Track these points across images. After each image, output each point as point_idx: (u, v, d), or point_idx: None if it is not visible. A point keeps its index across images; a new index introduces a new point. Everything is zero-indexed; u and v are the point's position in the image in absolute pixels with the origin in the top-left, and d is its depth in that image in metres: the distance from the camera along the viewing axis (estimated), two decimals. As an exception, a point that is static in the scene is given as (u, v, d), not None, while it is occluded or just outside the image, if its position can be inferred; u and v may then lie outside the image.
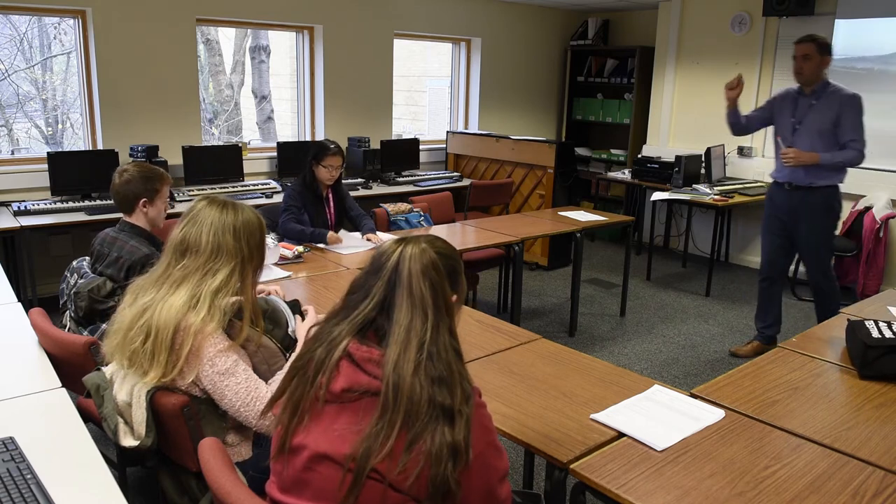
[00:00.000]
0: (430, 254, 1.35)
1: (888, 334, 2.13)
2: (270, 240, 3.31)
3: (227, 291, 1.79)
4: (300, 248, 3.39)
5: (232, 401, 1.76)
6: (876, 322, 2.22)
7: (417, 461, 1.22)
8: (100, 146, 4.86)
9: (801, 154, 3.74)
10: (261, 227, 1.91)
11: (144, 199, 2.67)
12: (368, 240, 3.74)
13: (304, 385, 1.34)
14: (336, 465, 1.28)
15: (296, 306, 2.11)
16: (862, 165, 5.40)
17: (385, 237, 3.79)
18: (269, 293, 2.30)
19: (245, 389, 1.76)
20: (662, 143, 6.77)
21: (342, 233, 3.74)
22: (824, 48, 3.72)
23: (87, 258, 2.74)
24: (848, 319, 2.35)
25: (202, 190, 4.94)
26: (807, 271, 4.07)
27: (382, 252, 1.37)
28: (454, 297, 1.39)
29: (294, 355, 1.93)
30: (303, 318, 2.05)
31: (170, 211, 3.02)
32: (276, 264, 3.25)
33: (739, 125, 4.08)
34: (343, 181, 4.01)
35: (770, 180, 5.96)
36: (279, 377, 1.79)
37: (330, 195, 3.88)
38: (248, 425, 1.81)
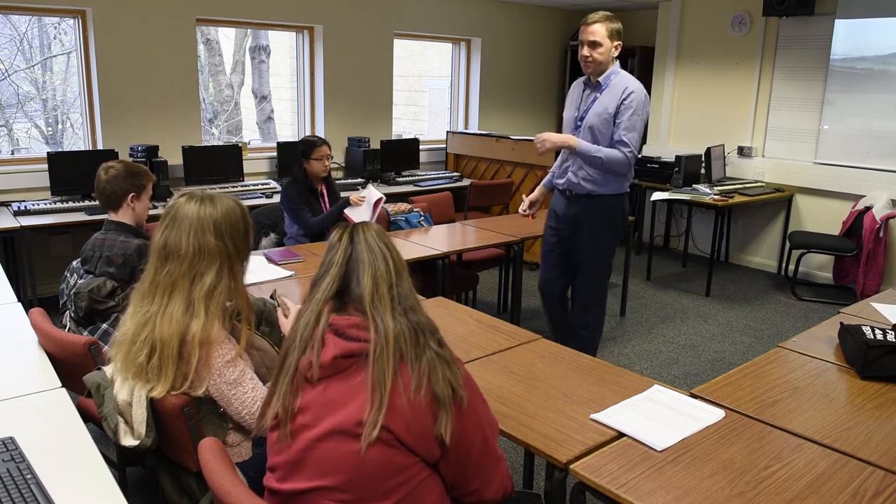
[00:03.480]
0: (376, 226, 1.51)
1: (890, 338, 2.13)
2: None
3: (220, 292, 1.75)
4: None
5: (238, 409, 1.76)
6: (872, 328, 2.21)
7: (423, 374, 1.33)
8: (100, 146, 4.86)
9: (552, 136, 3.21)
10: (244, 216, 1.85)
11: (133, 194, 2.67)
12: (360, 199, 3.89)
13: (289, 378, 1.39)
14: (342, 436, 1.31)
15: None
16: (862, 165, 5.47)
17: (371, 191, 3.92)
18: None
19: (251, 399, 1.76)
20: (662, 143, 6.77)
21: (364, 191, 3.90)
22: (614, 32, 3.18)
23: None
24: (841, 323, 2.35)
25: (202, 191, 4.95)
26: (575, 292, 3.54)
27: (332, 236, 1.49)
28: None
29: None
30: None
31: (158, 212, 3.02)
32: (278, 264, 3.25)
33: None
34: (342, 181, 4.06)
35: (766, 181, 6.08)
36: None
37: (323, 189, 3.95)
38: (251, 431, 1.81)
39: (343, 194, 4.01)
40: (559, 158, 3.45)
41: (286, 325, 1.97)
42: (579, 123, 3.30)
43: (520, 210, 3.61)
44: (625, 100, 3.18)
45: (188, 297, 1.73)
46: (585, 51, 3.19)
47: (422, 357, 1.35)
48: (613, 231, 3.40)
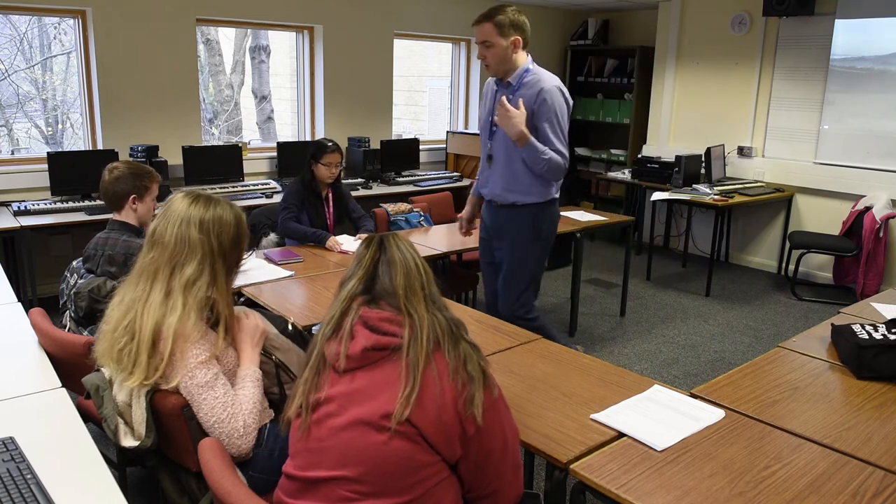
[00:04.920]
0: (405, 237, 1.54)
1: (877, 336, 2.12)
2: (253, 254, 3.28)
3: (200, 287, 1.73)
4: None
5: (207, 415, 1.69)
6: (862, 325, 2.21)
7: (459, 359, 1.38)
8: (100, 146, 4.86)
9: (520, 119, 2.74)
10: (237, 225, 1.83)
11: (134, 196, 2.70)
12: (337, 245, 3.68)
13: (315, 367, 1.42)
14: (366, 427, 1.32)
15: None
16: (862, 165, 5.47)
17: None
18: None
19: (222, 405, 1.70)
20: (662, 143, 6.77)
21: (343, 237, 3.73)
22: (506, 26, 2.81)
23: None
24: (832, 325, 2.35)
25: (202, 191, 4.95)
26: (499, 303, 3.20)
27: (361, 244, 1.54)
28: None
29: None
30: None
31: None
32: (278, 264, 3.25)
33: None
34: (343, 181, 4.01)
35: (766, 181, 6.07)
36: (245, 383, 1.76)
37: (329, 195, 3.89)
38: (220, 442, 1.71)
39: (354, 195, 3.82)
40: (480, 165, 3.17)
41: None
42: (494, 129, 2.97)
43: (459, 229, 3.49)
44: (541, 104, 2.84)
45: (167, 285, 1.73)
46: (479, 52, 2.91)
47: (458, 346, 1.41)
48: (537, 242, 3.10)
